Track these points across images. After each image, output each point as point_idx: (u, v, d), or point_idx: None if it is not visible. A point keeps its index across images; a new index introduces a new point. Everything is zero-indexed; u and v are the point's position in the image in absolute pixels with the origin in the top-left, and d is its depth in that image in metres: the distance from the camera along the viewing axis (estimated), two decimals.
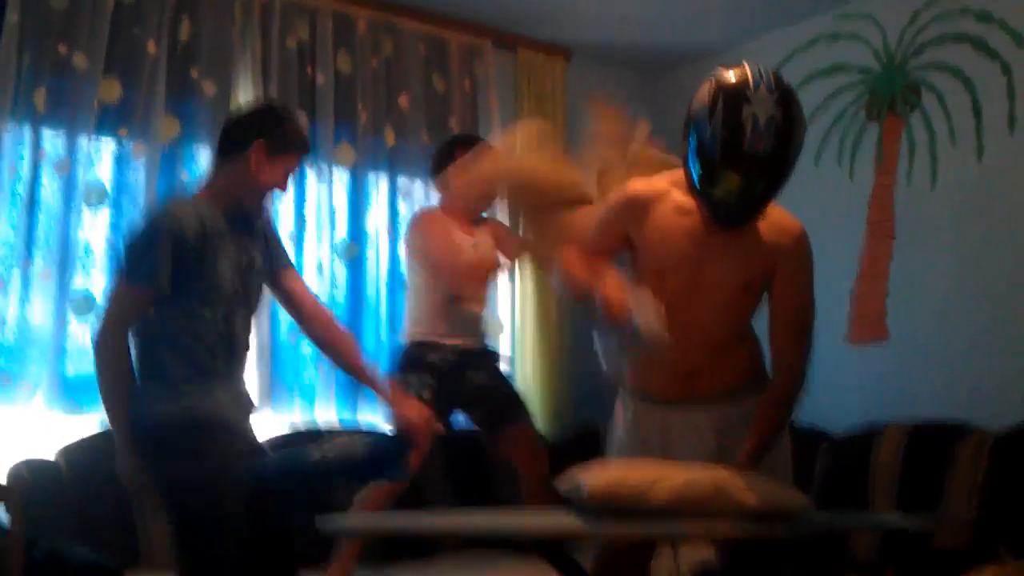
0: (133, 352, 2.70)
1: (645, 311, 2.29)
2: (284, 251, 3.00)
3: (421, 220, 3.81)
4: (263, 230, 2.93)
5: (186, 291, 2.67)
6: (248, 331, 2.85)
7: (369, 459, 2.62)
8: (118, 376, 2.64)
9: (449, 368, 3.61)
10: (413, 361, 3.62)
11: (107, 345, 2.66)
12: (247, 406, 2.87)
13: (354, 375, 2.93)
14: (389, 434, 2.79)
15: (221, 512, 2.56)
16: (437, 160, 3.84)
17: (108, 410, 2.67)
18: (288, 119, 2.90)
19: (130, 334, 2.71)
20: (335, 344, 2.91)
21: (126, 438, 2.62)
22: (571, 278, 2.57)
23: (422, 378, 3.55)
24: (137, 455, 2.64)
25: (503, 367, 3.95)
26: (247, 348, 2.87)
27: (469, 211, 3.75)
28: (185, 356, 2.67)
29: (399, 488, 3.45)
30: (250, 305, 2.84)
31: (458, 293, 3.64)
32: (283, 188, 2.87)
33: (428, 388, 3.53)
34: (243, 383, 2.87)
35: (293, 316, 3.00)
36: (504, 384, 3.85)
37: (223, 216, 2.75)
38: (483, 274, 3.73)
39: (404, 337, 3.74)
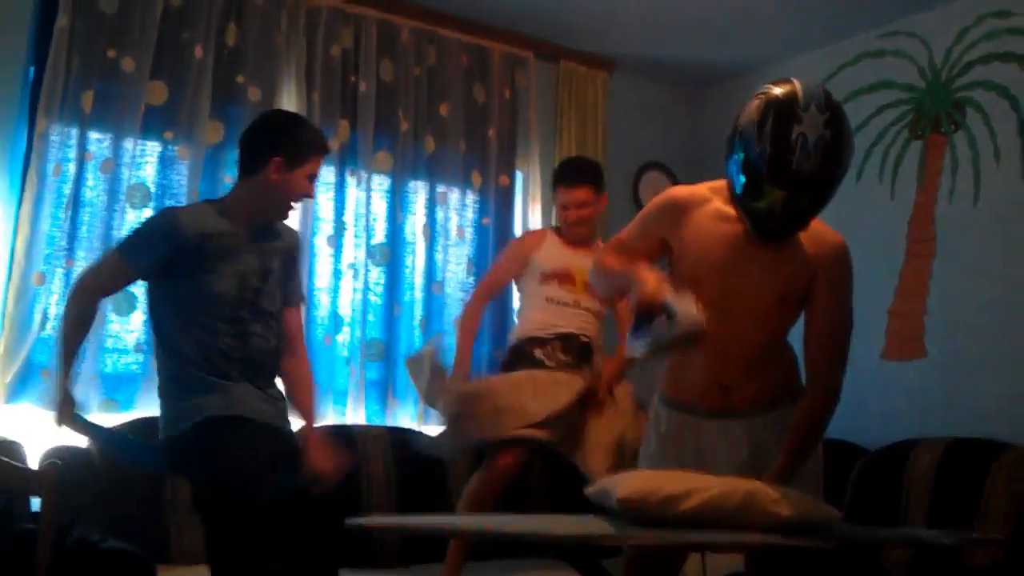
0: (157, 360, 2.82)
1: (682, 299, 2.25)
2: (300, 286, 3.05)
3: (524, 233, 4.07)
4: (291, 252, 2.97)
5: (188, 291, 2.75)
6: (269, 337, 2.85)
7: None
8: (75, 327, 2.82)
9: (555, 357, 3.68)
10: (518, 354, 3.71)
11: (74, 299, 2.84)
12: (276, 403, 2.87)
13: (298, 411, 3.00)
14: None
15: (249, 513, 2.58)
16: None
17: (59, 351, 2.87)
18: (300, 126, 2.91)
19: (155, 353, 2.84)
20: (295, 381, 2.99)
21: (64, 379, 2.81)
22: (606, 268, 2.57)
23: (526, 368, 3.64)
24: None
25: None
26: (270, 353, 2.87)
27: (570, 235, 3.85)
28: (198, 362, 2.72)
29: (502, 487, 3.51)
30: (262, 310, 2.84)
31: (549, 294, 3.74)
32: (310, 194, 2.90)
33: None
34: (270, 385, 2.88)
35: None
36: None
37: (244, 225, 2.80)
38: (573, 277, 3.76)
39: (512, 336, 3.84)
